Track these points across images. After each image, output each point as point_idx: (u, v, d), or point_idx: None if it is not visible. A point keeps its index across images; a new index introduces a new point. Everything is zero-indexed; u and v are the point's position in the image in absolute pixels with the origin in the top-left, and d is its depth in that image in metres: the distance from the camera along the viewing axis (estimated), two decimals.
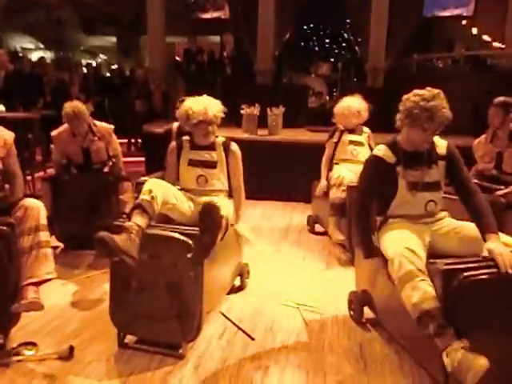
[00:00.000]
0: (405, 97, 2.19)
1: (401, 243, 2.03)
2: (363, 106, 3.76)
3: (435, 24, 10.45)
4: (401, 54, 8.38)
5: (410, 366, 2.10)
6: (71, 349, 2.13)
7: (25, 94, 6.13)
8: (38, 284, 2.17)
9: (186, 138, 2.69)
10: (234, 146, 2.67)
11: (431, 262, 1.99)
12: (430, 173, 2.21)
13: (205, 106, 2.53)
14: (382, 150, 2.25)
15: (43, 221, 2.24)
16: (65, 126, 3.52)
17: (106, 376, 1.99)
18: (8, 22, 12.65)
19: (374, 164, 2.28)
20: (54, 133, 3.55)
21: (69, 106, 3.39)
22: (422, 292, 1.88)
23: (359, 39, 9.16)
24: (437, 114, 2.07)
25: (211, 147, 2.62)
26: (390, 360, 2.16)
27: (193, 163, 2.62)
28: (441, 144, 2.26)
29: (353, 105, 3.73)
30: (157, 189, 2.28)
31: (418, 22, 8.68)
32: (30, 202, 2.23)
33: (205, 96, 2.64)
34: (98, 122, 3.63)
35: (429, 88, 2.15)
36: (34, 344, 2.18)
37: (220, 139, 2.67)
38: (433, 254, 2.09)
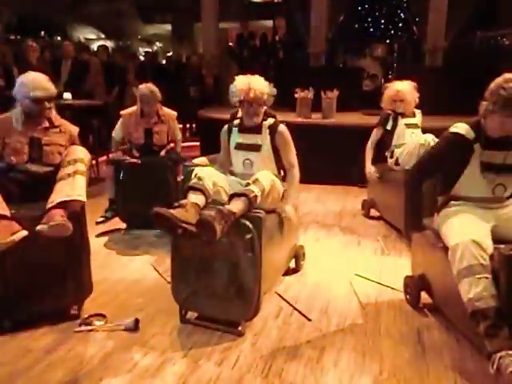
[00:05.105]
0: (498, 84, 1.99)
1: (466, 233, 1.95)
2: (413, 86, 3.68)
3: None
4: (462, 32, 7.92)
5: (470, 352, 2.06)
6: (137, 321, 2.27)
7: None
8: (66, 206, 2.17)
9: (236, 121, 2.69)
10: (281, 128, 2.59)
11: (495, 247, 1.92)
12: (507, 155, 2.10)
13: (248, 84, 2.49)
14: (461, 128, 2.13)
15: (83, 156, 2.37)
16: (133, 108, 3.73)
17: (168, 348, 2.11)
18: (73, 15, 13.30)
19: (450, 141, 2.16)
20: (123, 112, 3.76)
21: (145, 87, 3.61)
22: (479, 290, 1.83)
23: (417, 18, 8.74)
24: None
25: (257, 130, 2.59)
26: (449, 347, 2.11)
27: (239, 147, 2.62)
28: None
29: (406, 88, 3.64)
30: (202, 172, 2.35)
31: None
32: (75, 146, 2.45)
33: (256, 76, 2.58)
34: (164, 108, 3.80)
35: None
36: (103, 316, 2.34)
37: (268, 122, 2.60)
38: (497, 239, 2.01)
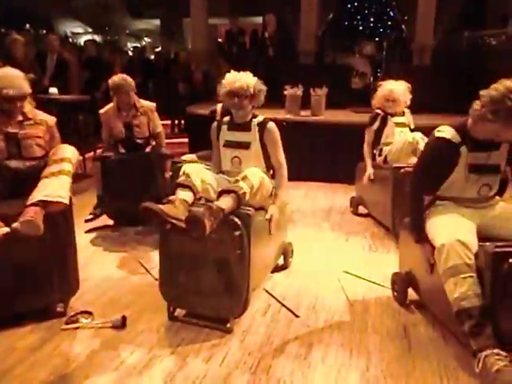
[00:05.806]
0: (502, 93, 1.89)
1: (452, 233, 1.96)
2: (407, 87, 3.70)
3: None
4: (450, 31, 8.01)
5: (455, 348, 2.08)
6: (124, 319, 2.25)
7: (91, 77, 6.49)
8: (45, 206, 2.10)
9: (226, 118, 2.69)
10: (270, 125, 2.59)
11: (480, 244, 1.94)
12: (492, 156, 2.12)
13: (235, 77, 2.52)
14: (445, 132, 2.12)
15: (70, 155, 2.30)
16: (111, 104, 3.70)
17: (156, 345, 2.10)
18: (59, 8, 13.05)
19: (437, 147, 2.15)
20: (101, 111, 3.73)
21: (116, 77, 3.58)
22: (464, 289, 1.86)
23: (406, 17, 8.81)
24: None
25: (246, 128, 2.59)
26: (435, 342, 2.14)
27: (228, 144, 2.61)
28: None
29: (399, 88, 3.66)
30: (190, 169, 2.35)
31: None
32: (63, 145, 2.39)
33: (247, 72, 2.59)
34: (141, 100, 3.77)
35: None
36: (90, 313, 2.32)
37: (257, 119, 2.61)
38: (482, 237, 2.03)
